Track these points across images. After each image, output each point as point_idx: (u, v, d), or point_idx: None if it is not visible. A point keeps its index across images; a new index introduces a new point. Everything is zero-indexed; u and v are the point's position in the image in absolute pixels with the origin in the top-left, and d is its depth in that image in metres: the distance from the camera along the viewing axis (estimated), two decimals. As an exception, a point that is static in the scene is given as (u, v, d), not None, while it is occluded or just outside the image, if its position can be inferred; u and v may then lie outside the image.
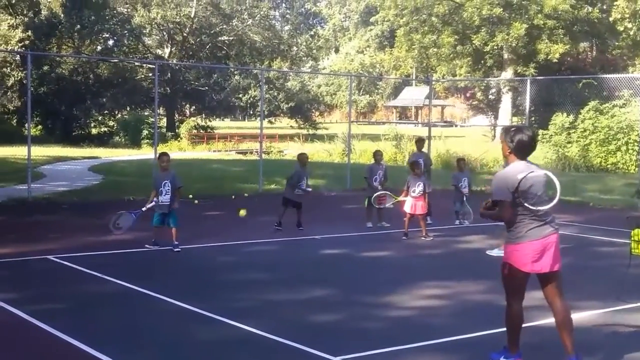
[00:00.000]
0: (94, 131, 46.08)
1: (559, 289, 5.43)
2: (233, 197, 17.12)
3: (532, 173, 5.29)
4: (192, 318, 6.88)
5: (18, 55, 40.99)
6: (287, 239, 11.62)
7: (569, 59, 43.79)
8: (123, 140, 45.22)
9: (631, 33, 39.57)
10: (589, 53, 48.70)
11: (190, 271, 9.24)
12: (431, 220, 13.05)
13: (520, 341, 5.48)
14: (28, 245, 10.49)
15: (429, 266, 10.03)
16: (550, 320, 5.74)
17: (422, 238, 11.73)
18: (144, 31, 52.60)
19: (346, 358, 5.72)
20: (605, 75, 32.95)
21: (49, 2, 49.02)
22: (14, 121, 45.37)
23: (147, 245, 10.34)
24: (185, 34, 51.95)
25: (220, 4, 53.76)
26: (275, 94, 59.04)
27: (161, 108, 50.54)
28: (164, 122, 52.13)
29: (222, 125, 66.56)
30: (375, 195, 12.28)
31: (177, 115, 54.78)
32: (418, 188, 11.71)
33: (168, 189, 10.23)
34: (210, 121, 57.28)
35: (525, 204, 5.25)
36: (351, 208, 15.45)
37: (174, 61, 49.56)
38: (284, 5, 69.20)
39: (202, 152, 39.10)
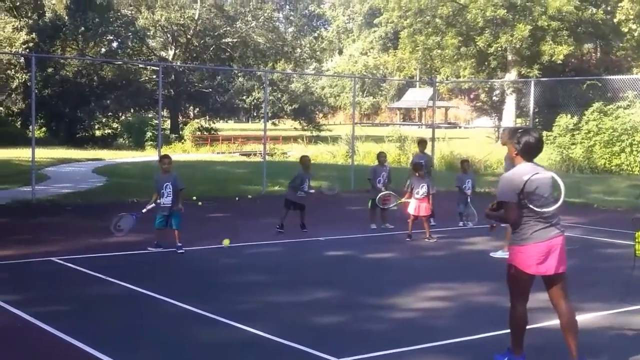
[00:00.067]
0: (98, 133, 46.14)
1: (564, 292, 5.40)
2: (237, 199, 17.14)
3: (538, 175, 5.28)
4: (195, 320, 6.87)
5: (22, 58, 41.19)
6: (291, 240, 11.62)
7: (573, 60, 43.68)
8: (127, 142, 45.32)
9: (635, 34, 39.52)
10: (593, 54, 48.61)
11: (194, 273, 9.23)
12: (435, 222, 13.03)
13: (524, 343, 5.45)
14: (32, 247, 10.50)
15: (432, 268, 10.01)
16: (554, 322, 5.72)
17: (426, 240, 11.71)
18: (148, 33, 52.74)
19: (350, 360, 5.71)
20: (609, 77, 32.89)
21: (53, 4, 49.18)
22: (18, 123, 45.49)
23: (149, 248, 10.34)
24: (189, 36, 52.04)
25: (224, 6, 53.87)
26: (279, 95, 59.09)
27: (165, 110, 50.66)
28: (167, 124, 52.31)
29: (226, 127, 66.52)
30: (379, 195, 12.32)
31: (180, 117, 54.85)
32: (422, 190, 11.69)
33: (169, 191, 10.22)
34: (214, 123, 57.32)
35: (531, 206, 5.23)
36: (355, 210, 15.45)
37: (178, 63, 49.64)
38: (287, 7, 69.25)
39: (205, 154, 39.13)
